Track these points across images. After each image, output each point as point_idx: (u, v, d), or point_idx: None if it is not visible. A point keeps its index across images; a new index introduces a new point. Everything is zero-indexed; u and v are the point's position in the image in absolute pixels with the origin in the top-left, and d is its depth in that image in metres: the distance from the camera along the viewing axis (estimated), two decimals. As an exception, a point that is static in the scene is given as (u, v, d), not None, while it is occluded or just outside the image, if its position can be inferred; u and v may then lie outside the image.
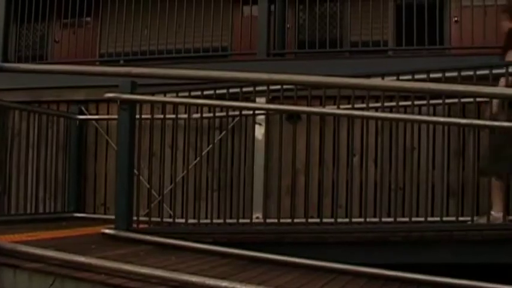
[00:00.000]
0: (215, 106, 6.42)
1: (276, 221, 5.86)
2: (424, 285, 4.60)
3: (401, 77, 6.00)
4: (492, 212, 5.64)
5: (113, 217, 5.98)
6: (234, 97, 6.27)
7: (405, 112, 6.26)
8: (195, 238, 5.53)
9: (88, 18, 9.20)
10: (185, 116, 6.34)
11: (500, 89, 3.79)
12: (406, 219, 5.81)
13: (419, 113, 6.33)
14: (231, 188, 7.03)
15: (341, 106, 6.03)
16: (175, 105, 6.61)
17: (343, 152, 6.26)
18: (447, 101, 6.01)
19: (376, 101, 6.28)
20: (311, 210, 6.04)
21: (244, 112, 6.62)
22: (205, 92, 6.34)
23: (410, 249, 5.48)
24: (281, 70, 6.14)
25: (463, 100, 6.05)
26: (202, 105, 6.26)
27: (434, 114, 6.25)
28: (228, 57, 8.58)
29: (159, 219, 6.23)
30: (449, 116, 6.20)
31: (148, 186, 6.31)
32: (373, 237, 5.59)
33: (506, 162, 5.67)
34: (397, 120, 5.90)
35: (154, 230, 5.97)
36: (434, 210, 6.29)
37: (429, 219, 5.88)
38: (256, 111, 6.57)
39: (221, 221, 6.29)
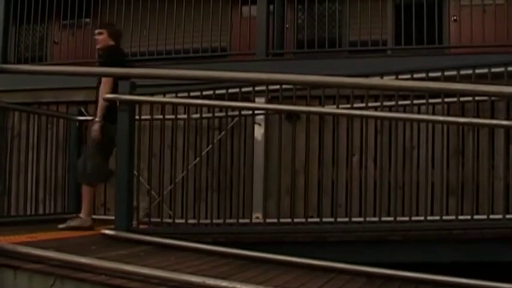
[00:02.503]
0: (214, 106, 6.42)
1: (275, 220, 5.87)
2: (424, 284, 4.60)
3: (400, 76, 6.00)
4: (81, 215, 6.42)
5: (113, 218, 5.99)
6: (233, 97, 6.28)
7: (404, 111, 6.26)
8: (194, 238, 5.53)
9: (87, 20, 9.20)
10: (184, 116, 6.34)
11: (498, 88, 3.79)
12: (406, 218, 5.81)
13: (419, 112, 6.33)
14: (230, 188, 7.04)
15: (340, 106, 6.04)
16: (175, 105, 6.61)
17: (343, 152, 6.26)
18: (446, 99, 6.01)
19: (376, 101, 6.28)
20: (311, 210, 6.04)
21: (243, 112, 6.63)
22: (205, 93, 6.36)
23: (410, 248, 5.49)
24: (280, 70, 6.16)
25: (462, 99, 6.05)
26: (202, 105, 6.27)
27: (434, 113, 6.25)
28: (227, 57, 8.58)
29: (159, 220, 6.23)
30: (448, 114, 6.20)
31: (148, 186, 6.32)
32: (373, 236, 5.60)
33: (94, 171, 6.43)
34: (397, 119, 5.91)
35: (154, 230, 5.98)
36: (433, 209, 6.29)
37: (429, 218, 5.88)
38: (256, 111, 6.58)
39: (221, 221, 6.29)
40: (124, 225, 5.71)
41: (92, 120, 6.45)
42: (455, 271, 4.70)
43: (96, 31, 6.75)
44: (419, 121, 6.19)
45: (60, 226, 6.23)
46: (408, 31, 7.75)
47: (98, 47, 6.73)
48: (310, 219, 5.94)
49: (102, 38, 6.67)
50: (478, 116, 6.28)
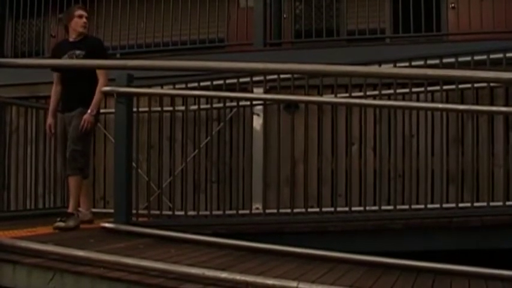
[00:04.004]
0: (212, 97, 6.40)
1: (275, 211, 5.86)
2: (425, 272, 4.59)
3: (398, 64, 5.98)
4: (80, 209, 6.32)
5: (112, 211, 5.98)
6: (231, 88, 6.26)
7: (403, 99, 6.24)
8: (194, 230, 5.53)
9: (84, 12, 9.15)
10: (183, 108, 6.32)
11: (496, 73, 3.77)
12: (406, 206, 5.81)
13: (418, 100, 6.31)
14: (230, 179, 7.02)
15: (339, 95, 6.02)
16: (173, 97, 6.59)
17: (342, 141, 6.25)
18: (445, 87, 5.99)
19: (374, 89, 6.26)
20: (310, 200, 6.03)
21: (241, 103, 6.61)
22: (202, 84, 6.33)
23: (410, 236, 5.48)
24: (278, 60, 6.13)
25: (460, 86, 6.03)
26: (200, 96, 6.26)
27: (433, 101, 6.23)
28: (225, 48, 8.55)
29: (158, 212, 6.22)
30: (447, 102, 6.18)
31: (147, 179, 6.30)
32: (373, 225, 5.59)
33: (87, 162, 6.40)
34: (395, 107, 5.89)
35: (154, 223, 5.97)
36: (434, 197, 6.27)
37: (429, 206, 5.87)
38: (254, 102, 6.56)
39: (220, 212, 6.30)
40: (123, 218, 5.70)
41: (81, 112, 6.10)
42: (456, 259, 4.69)
43: (85, 14, 6.38)
44: (418, 109, 6.17)
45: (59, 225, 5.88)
46: (406, 19, 7.72)
47: (82, 30, 6.27)
48: (310, 209, 5.93)
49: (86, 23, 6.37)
50: (477, 103, 6.26)
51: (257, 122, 6.84)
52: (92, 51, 6.09)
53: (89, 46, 6.20)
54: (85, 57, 6.11)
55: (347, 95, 6.01)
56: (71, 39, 6.31)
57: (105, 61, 5.01)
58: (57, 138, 6.47)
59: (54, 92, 6.43)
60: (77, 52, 6.15)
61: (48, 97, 8.14)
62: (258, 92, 6.64)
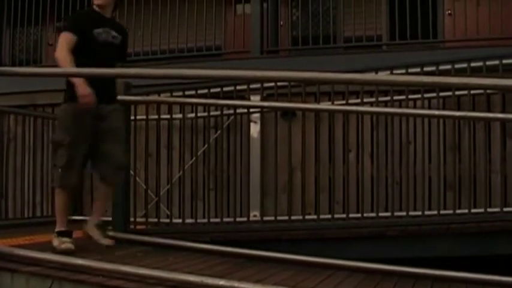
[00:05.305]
0: (210, 105, 6.41)
1: (273, 218, 5.87)
2: (422, 279, 4.59)
3: (395, 71, 6.00)
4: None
5: (110, 219, 5.98)
6: (228, 95, 6.27)
7: (400, 106, 6.25)
8: (192, 238, 5.53)
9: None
10: (180, 115, 6.33)
11: (492, 80, 3.78)
12: (403, 213, 5.83)
13: (414, 107, 6.33)
14: (227, 186, 7.02)
15: (335, 102, 6.03)
16: (170, 105, 6.60)
17: (339, 148, 6.25)
18: (441, 94, 6.01)
19: (371, 96, 6.27)
20: (308, 207, 6.03)
21: (239, 110, 6.62)
22: (199, 91, 6.34)
23: (408, 243, 5.49)
24: (275, 67, 6.13)
25: (457, 93, 6.04)
26: (197, 104, 6.27)
27: (429, 108, 6.25)
28: (222, 55, 8.57)
29: (156, 220, 6.22)
30: (444, 109, 6.19)
31: (144, 187, 6.31)
32: (371, 232, 5.60)
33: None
34: (392, 114, 5.90)
35: (152, 230, 5.97)
36: (431, 204, 6.28)
37: (426, 212, 5.88)
38: (251, 109, 6.57)
39: (218, 220, 6.30)
40: (121, 226, 5.70)
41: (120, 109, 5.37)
42: (454, 265, 4.70)
43: None
44: (415, 116, 6.18)
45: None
46: (403, 26, 7.74)
47: (99, 2, 5.20)
48: (307, 217, 5.93)
49: None
50: (474, 110, 6.28)
51: (254, 130, 6.85)
52: (125, 41, 5.40)
53: (124, 33, 5.39)
54: (121, 44, 5.28)
55: (344, 102, 6.03)
56: (100, 11, 5.21)
57: (103, 69, 4.99)
58: (76, 132, 5.02)
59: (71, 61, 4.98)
60: (113, 33, 5.20)
61: (47, 105, 8.18)
62: (255, 100, 6.65)
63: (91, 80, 4.89)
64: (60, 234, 4.95)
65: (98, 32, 5.10)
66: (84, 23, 5.15)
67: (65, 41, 5.03)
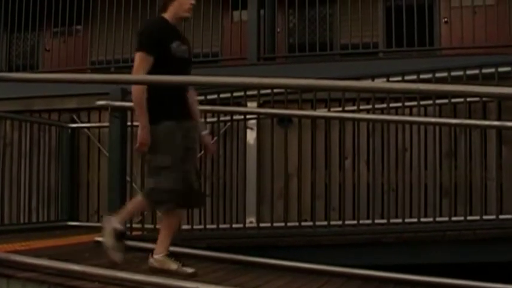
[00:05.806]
0: (206, 111, 6.41)
1: (269, 225, 5.87)
2: (418, 286, 4.60)
3: (391, 79, 6.02)
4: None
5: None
6: (225, 102, 6.28)
7: (396, 113, 6.27)
8: (188, 244, 5.52)
9: (78, 27, 9.18)
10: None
11: (488, 88, 3.80)
12: (399, 220, 5.83)
13: (410, 114, 6.34)
14: (224, 193, 7.03)
15: (332, 109, 6.04)
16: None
17: (335, 155, 6.26)
18: (438, 101, 6.03)
19: (367, 103, 6.29)
20: (304, 214, 6.04)
21: (235, 117, 6.62)
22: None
23: (404, 250, 5.50)
24: (272, 74, 6.14)
25: (453, 100, 6.06)
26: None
27: (425, 115, 6.26)
28: (219, 62, 8.58)
29: (152, 226, 6.21)
30: (440, 116, 6.21)
31: (141, 193, 6.29)
32: (367, 239, 5.60)
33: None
34: (388, 121, 5.92)
35: (148, 236, 5.96)
36: (427, 211, 6.30)
37: (422, 219, 5.90)
38: (248, 116, 6.58)
39: (214, 226, 6.29)
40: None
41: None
42: (449, 272, 4.71)
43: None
44: (411, 123, 6.20)
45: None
46: (399, 33, 7.76)
47: (187, 15, 4.85)
48: (303, 223, 5.94)
49: None
50: (470, 117, 6.30)
51: (251, 136, 6.86)
52: (190, 57, 4.96)
53: (190, 47, 4.97)
54: (188, 59, 4.85)
55: (340, 109, 6.04)
56: (173, 23, 4.79)
57: (99, 76, 5.00)
58: (173, 152, 4.63)
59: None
60: (183, 48, 4.77)
61: (43, 111, 8.16)
62: (252, 106, 6.66)
63: (176, 96, 4.66)
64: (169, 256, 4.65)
65: (174, 48, 4.67)
66: (163, 34, 4.69)
67: (141, 65, 4.61)
